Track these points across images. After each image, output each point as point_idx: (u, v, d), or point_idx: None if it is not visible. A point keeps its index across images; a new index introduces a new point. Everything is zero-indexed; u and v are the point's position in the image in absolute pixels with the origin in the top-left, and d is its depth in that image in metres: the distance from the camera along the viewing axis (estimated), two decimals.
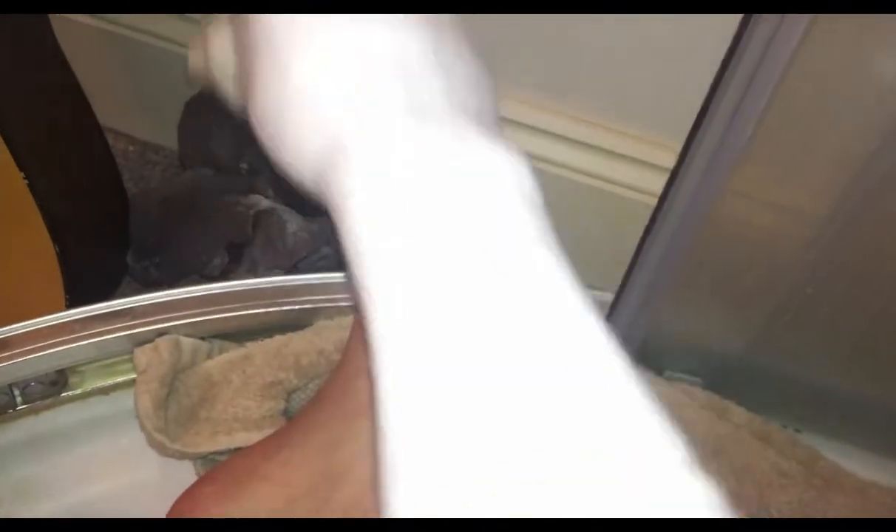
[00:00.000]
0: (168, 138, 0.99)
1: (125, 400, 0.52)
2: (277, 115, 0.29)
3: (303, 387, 0.51)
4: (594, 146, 0.79)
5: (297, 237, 0.66)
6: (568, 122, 0.79)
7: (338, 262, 0.69)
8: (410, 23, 0.29)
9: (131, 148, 1.07)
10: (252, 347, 0.51)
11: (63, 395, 0.51)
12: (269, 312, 0.53)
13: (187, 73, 0.40)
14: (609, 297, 0.55)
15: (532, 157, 0.28)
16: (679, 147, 0.49)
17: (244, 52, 0.31)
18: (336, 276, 0.56)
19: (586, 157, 0.79)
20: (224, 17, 0.37)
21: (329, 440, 0.43)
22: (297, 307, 0.53)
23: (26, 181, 0.58)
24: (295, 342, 0.51)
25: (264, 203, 0.68)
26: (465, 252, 0.24)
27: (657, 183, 0.52)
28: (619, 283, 0.54)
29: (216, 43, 0.37)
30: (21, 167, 0.57)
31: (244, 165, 0.78)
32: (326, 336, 0.51)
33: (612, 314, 0.54)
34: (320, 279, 0.55)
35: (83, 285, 0.63)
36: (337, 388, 0.45)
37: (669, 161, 0.50)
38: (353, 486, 0.41)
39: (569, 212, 0.81)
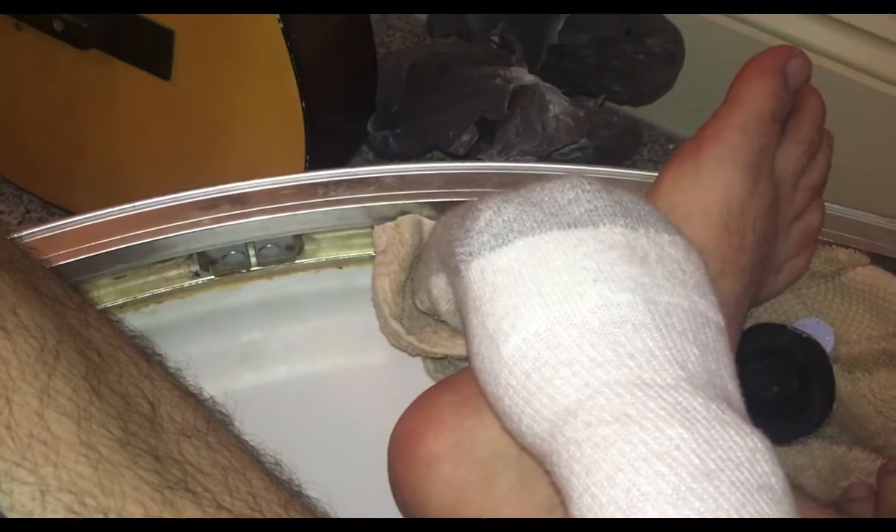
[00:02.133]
0: None
1: (357, 276, 0.48)
2: (493, 382, 0.31)
3: None
4: None
5: (560, 122, 0.59)
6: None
7: (594, 154, 0.61)
8: (623, 285, 0.30)
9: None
10: None
11: (297, 262, 0.48)
12: None
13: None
14: None
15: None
16: None
17: (459, 301, 0.34)
18: (594, 170, 0.48)
19: None
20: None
21: None
22: None
23: (281, 25, 0.54)
24: None
25: (527, 78, 0.61)
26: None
27: None
28: None
29: (435, 289, 0.39)
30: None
31: (495, 37, 0.71)
32: None
33: None
34: (585, 172, 0.48)
35: (323, 146, 0.60)
36: None
37: None
38: None
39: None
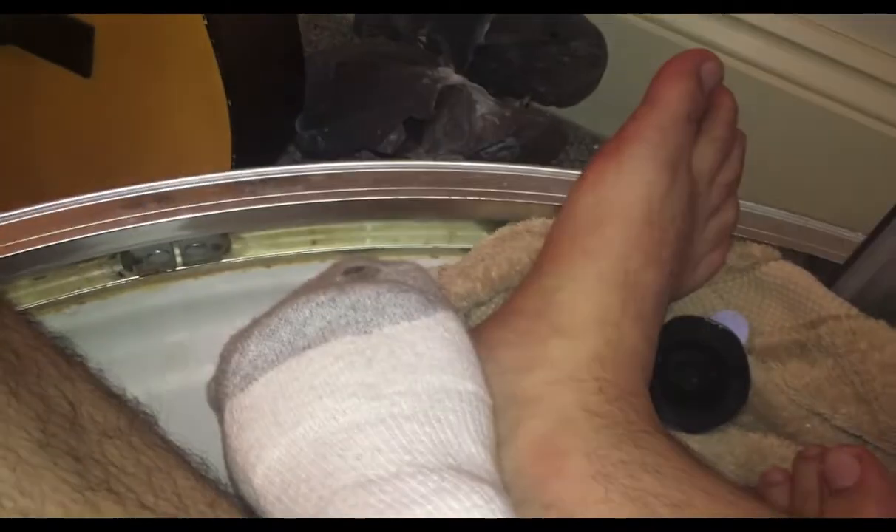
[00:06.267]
0: None
1: (286, 275, 0.48)
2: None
3: (487, 302, 0.45)
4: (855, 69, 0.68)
5: (486, 121, 0.59)
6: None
7: (521, 153, 0.62)
8: (347, 392, 0.32)
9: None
10: None
11: (223, 261, 0.47)
12: (451, 200, 0.47)
13: None
14: (860, 238, 0.45)
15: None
16: None
17: None
18: (525, 169, 0.49)
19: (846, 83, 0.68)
20: None
21: (519, 362, 0.37)
22: (483, 199, 0.47)
23: (206, 23, 0.53)
24: (482, 250, 0.45)
25: (454, 78, 0.62)
26: None
27: None
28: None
29: None
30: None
31: (423, 37, 0.71)
32: (517, 244, 0.45)
33: (857, 257, 0.45)
34: (510, 170, 0.48)
35: (250, 145, 0.59)
36: (529, 302, 0.39)
37: None
38: (543, 420, 0.35)
39: (829, 145, 0.71)
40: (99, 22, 0.60)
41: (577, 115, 0.81)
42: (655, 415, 0.37)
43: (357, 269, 0.39)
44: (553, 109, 0.79)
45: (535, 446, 0.34)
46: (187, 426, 0.36)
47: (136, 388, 0.36)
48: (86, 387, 0.31)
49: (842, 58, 0.68)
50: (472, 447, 0.31)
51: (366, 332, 0.33)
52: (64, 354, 0.32)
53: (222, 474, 0.35)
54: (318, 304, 0.34)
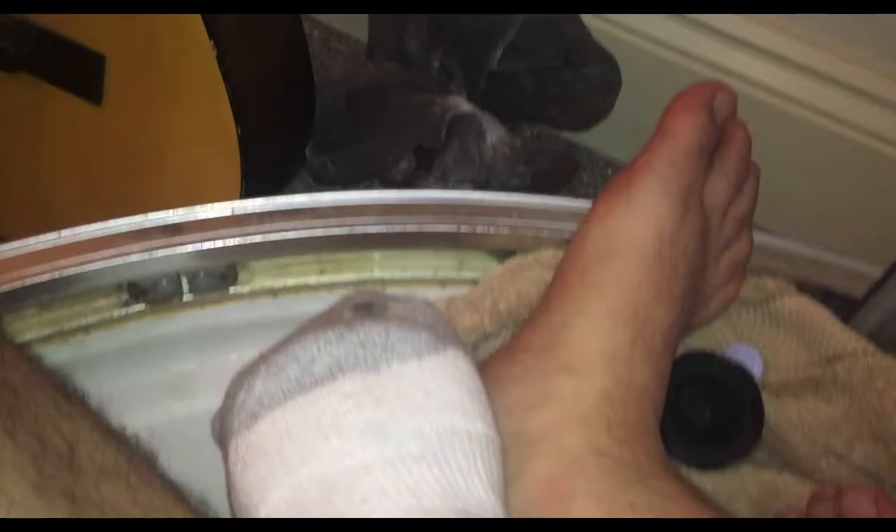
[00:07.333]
0: (354, 27, 0.94)
1: (292, 305, 0.48)
2: None
3: (495, 335, 0.44)
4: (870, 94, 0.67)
5: (497, 150, 0.59)
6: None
7: (532, 182, 0.62)
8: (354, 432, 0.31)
9: (315, 33, 1.03)
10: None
11: (231, 291, 0.47)
12: (459, 232, 0.47)
13: None
14: (878, 272, 0.45)
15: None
16: None
17: None
18: (535, 200, 0.48)
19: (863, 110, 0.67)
20: None
21: (526, 399, 0.36)
22: (490, 230, 0.47)
23: (215, 51, 0.53)
24: (491, 282, 0.45)
25: (464, 107, 0.61)
26: None
27: None
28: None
29: None
30: (212, 35, 0.53)
31: (436, 63, 0.71)
32: (526, 276, 0.44)
33: (874, 292, 0.44)
34: (519, 201, 0.48)
35: (260, 172, 0.59)
36: (538, 337, 0.38)
37: None
38: (551, 459, 0.34)
39: (847, 175, 0.70)
40: (110, 50, 0.60)
41: (591, 139, 0.81)
42: (665, 455, 0.36)
43: (366, 306, 0.38)
44: (566, 134, 0.78)
45: (542, 486, 0.34)
46: (193, 457, 0.35)
47: (142, 417, 0.36)
48: (84, 424, 0.30)
49: (861, 85, 0.68)
50: (481, 491, 0.31)
51: (374, 369, 0.33)
52: (63, 391, 0.31)
53: (224, 511, 0.34)
54: (326, 341, 0.34)
